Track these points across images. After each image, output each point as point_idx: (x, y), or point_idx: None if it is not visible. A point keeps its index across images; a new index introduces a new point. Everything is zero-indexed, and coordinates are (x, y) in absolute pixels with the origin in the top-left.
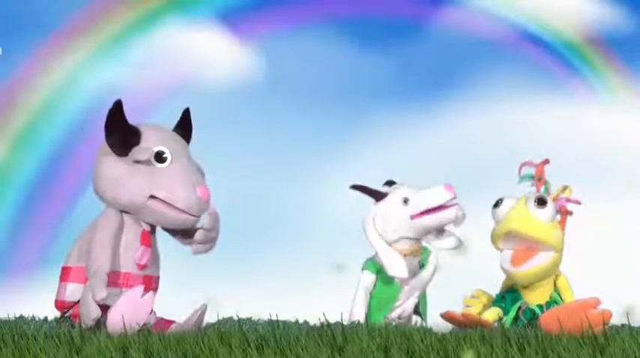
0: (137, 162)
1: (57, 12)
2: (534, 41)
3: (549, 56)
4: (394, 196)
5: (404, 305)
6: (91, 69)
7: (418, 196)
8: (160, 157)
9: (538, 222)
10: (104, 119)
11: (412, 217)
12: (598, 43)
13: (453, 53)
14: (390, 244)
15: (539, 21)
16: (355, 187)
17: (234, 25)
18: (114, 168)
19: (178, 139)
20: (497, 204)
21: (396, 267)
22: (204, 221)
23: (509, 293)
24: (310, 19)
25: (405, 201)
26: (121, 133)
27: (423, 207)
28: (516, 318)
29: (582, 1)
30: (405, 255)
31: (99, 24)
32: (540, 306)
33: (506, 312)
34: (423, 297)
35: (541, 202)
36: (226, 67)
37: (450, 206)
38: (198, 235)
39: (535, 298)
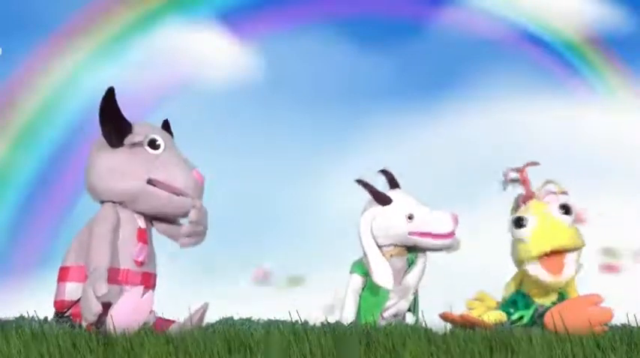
0: (134, 145)
1: (57, 12)
2: (534, 41)
3: (549, 56)
4: (399, 209)
5: (398, 305)
6: (91, 69)
7: (423, 217)
8: (153, 144)
9: (571, 231)
10: (98, 108)
11: (410, 233)
12: (598, 43)
13: (453, 53)
14: (378, 246)
15: (539, 21)
16: (361, 183)
17: (234, 25)
18: (110, 158)
19: (166, 134)
20: (520, 224)
21: (384, 277)
22: (190, 215)
23: (521, 297)
24: (310, 19)
25: (410, 217)
26: (115, 120)
27: (425, 230)
28: (532, 317)
29: (582, 1)
30: (391, 256)
31: (99, 24)
32: (554, 303)
33: (516, 314)
34: (414, 296)
35: (567, 210)
36: (226, 67)
37: (449, 235)
38: (184, 229)
39: (546, 298)
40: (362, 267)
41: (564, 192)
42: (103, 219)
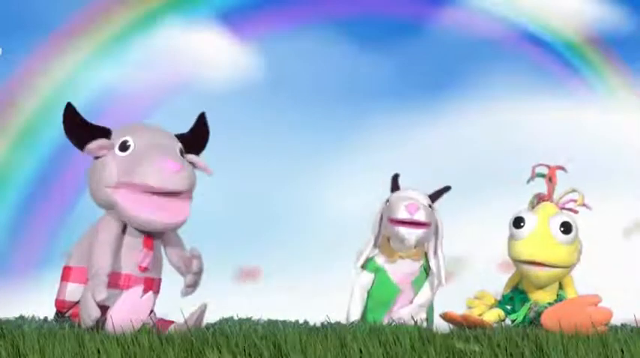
0: (97, 157)
1: (57, 12)
2: (534, 41)
3: (549, 56)
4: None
5: (400, 312)
6: (91, 69)
7: (392, 202)
8: (124, 146)
9: (562, 249)
10: (62, 125)
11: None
12: (598, 43)
13: (453, 53)
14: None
15: (539, 21)
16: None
17: (234, 25)
18: (91, 170)
19: (157, 131)
20: (518, 225)
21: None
22: (193, 266)
23: (518, 294)
24: (310, 19)
25: (387, 201)
26: (78, 131)
27: (390, 215)
28: (525, 316)
29: (582, 1)
30: (400, 257)
31: (99, 24)
32: (550, 303)
33: (513, 312)
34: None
35: (567, 230)
36: (226, 67)
37: (403, 222)
38: (189, 279)
39: (544, 297)
40: (373, 264)
41: (585, 205)
42: (107, 224)
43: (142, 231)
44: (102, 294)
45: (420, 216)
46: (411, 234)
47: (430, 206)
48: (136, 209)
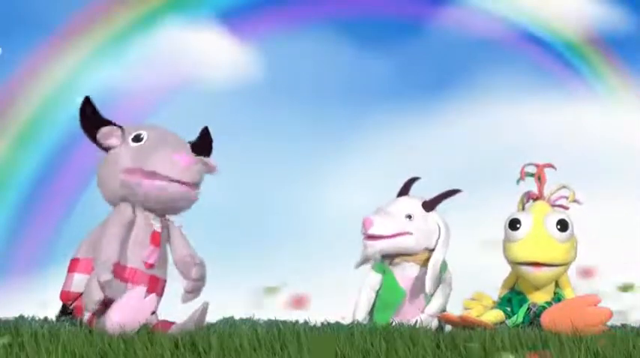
0: (112, 147)
1: (57, 12)
2: (534, 41)
3: (549, 56)
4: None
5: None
6: (91, 69)
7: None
8: (137, 138)
9: (559, 247)
10: (79, 119)
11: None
12: (598, 43)
13: (453, 53)
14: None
15: (539, 21)
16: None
17: (234, 25)
18: (103, 162)
19: (167, 131)
20: (514, 227)
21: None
22: (192, 273)
23: (515, 295)
24: (310, 19)
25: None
26: (94, 122)
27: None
28: (525, 317)
29: (582, 1)
30: (405, 260)
31: (99, 24)
32: (548, 303)
33: (512, 313)
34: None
35: (564, 227)
36: (226, 67)
37: (366, 237)
38: (187, 285)
39: (541, 297)
40: (380, 266)
41: (576, 201)
42: (115, 218)
43: (150, 228)
44: (106, 276)
45: (375, 230)
46: (369, 247)
47: (410, 216)
48: (149, 184)
